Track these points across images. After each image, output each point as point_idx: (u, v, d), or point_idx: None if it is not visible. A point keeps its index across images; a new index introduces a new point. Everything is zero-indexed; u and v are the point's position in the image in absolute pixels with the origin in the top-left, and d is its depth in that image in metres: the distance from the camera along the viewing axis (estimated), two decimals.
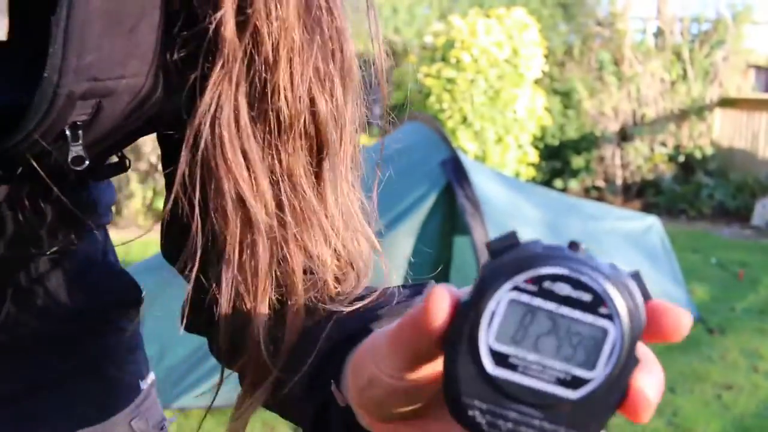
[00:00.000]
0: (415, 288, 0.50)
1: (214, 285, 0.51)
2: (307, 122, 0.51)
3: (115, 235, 0.68)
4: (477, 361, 0.33)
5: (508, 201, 3.53)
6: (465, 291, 0.34)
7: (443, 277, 3.19)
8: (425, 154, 3.37)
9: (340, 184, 0.54)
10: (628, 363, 0.33)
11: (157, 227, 0.58)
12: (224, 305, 0.50)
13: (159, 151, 0.59)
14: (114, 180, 0.65)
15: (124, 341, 0.67)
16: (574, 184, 7.72)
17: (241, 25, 0.48)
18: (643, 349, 0.35)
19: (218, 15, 0.47)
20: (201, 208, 0.50)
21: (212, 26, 0.47)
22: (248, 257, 0.50)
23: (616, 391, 0.33)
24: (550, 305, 0.33)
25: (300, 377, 0.48)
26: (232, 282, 0.50)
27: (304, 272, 0.52)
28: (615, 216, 4.04)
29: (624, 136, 7.88)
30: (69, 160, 0.47)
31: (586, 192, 7.74)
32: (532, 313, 0.33)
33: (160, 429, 0.68)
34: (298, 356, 0.50)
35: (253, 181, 0.49)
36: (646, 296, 0.34)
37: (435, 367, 0.35)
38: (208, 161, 0.49)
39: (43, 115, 0.44)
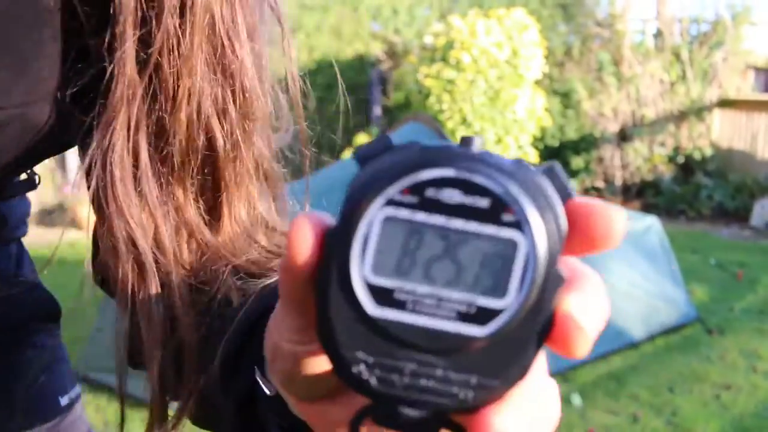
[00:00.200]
0: None
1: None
2: (204, 160, 0.50)
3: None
4: (353, 302, 0.26)
5: None
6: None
7: None
8: None
9: (238, 220, 0.52)
10: (548, 282, 0.26)
11: None
12: (120, 342, 0.49)
13: None
14: None
15: (41, 357, 0.64)
16: (573, 184, 7.73)
17: (143, 62, 0.46)
18: (569, 263, 0.28)
19: (119, 52, 0.45)
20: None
21: (113, 62, 0.45)
22: (140, 301, 0.48)
23: (538, 321, 0.26)
24: (438, 219, 0.26)
25: (214, 368, 0.45)
26: (130, 320, 0.49)
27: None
28: None
29: (623, 137, 7.89)
30: None
31: (586, 192, 7.75)
32: (417, 232, 0.26)
33: None
34: (210, 351, 0.47)
35: (148, 223, 0.47)
36: (565, 194, 0.27)
37: None
38: (99, 199, 0.47)
39: None
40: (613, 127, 7.85)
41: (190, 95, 0.47)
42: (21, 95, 0.47)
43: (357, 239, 0.26)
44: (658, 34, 8.11)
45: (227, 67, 0.48)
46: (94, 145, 0.46)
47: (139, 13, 0.45)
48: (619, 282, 3.51)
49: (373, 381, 0.27)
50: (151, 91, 0.47)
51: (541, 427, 0.27)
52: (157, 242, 0.48)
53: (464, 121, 6.32)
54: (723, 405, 3.08)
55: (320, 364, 0.30)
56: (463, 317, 0.26)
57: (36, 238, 1.14)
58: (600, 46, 8.07)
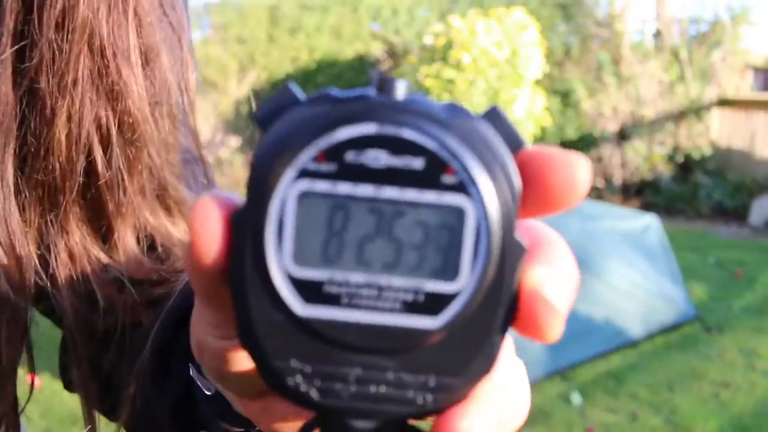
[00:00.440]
0: None
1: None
2: (85, 185, 0.47)
3: None
4: (276, 302, 0.22)
5: None
6: None
7: None
8: None
9: (128, 248, 0.49)
10: (507, 254, 0.22)
11: None
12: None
13: None
14: None
15: None
16: None
17: (20, 78, 0.44)
18: (527, 227, 0.24)
19: None
20: None
21: None
22: (2, 324, 0.45)
23: (499, 302, 0.22)
24: (365, 189, 0.21)
25: (143, 372, 0.43)
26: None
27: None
28: (613, 215, 4.07)
29: (623, 136, 7.90)
30: None
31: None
32: (341, 207, 0.22)
33: None
34: (134, 354, 0.45)
35: (11, 249, 0.45)
36: (514, 143, 0.22)
37: None
38: None
39: None
40: (613, 127, 7.87)
41: (70, 115, 0.44)
42: None
43: (270, 224, 0.22)
44: (658, 34, 8.13)
45: (111, 88, 0.45)
46: None
47: (20, 27, 0.43)
48: (619, 281, 3.53)
49: (314, 393, 0.22)
50: (26, 109, 0.44)
51: (512, 420, 0.24)
52: (20, 265, 0.45)
53: None
54: (722, 403, 3.09)
55: (246, 361, 0.26)
56: (411, 308, 0.22)
57: None
58: (599, 46, 8.09)
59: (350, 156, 0.21)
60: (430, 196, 0.21)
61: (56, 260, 0.47)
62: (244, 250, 0.22)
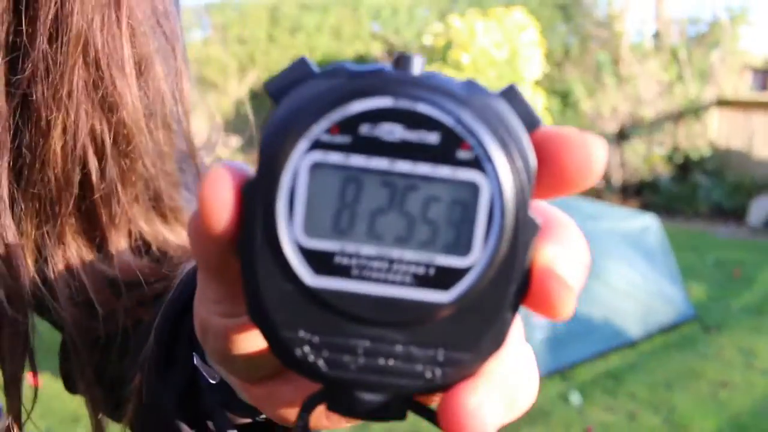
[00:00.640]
0: None
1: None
2: (79, 197, 0.47)
3: None
4: (287, 272, 0.22)
5: None
6: None
7: None
8: None
9: (122, 258, 0.49)
10: (520, 231, 0.22)
11: None
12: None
13: None
14: None
15: None
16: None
17: (13, 89, 0.43)
18: (539, 207, 0.24)
19: None
20: None
21: None
22: (3, 337, 0.45)
23: (511, 279, 0.22)
24: (379, 162, 0.21)
25: (147, 360, 0.43)
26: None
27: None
28: (613, 215, 4.08)
29: (622, 137, 7.91)
30: None
31: (585, 192, 7.77)
32: (354, 180, 0.21)
33: None
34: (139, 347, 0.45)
35: (8, 262, 0.44)
36: (530, 122, 0.22)
37: None
38: None
39: None
40: (612, 127, 7.88)
41: (65, 126, 0.44)
42: None
43: (281, 194, 0.21)
44: (657, 35, 8.14)
45: (105, 100, 0.45)
46: None
47: (11, 38, 0.42)
48: (618, 281, 3.54)
49: (322, 364, 0.22)
50: (19, 121, 0.44)
51: (520, 401, 0.24)
52: (17, 278, 0.45)
53: None
54: (720, 402, 3.10)
55: (257, 340, 0.25)
56: (422, 281, 0.22)
57: None
58: (599, 46, 8.10)
59: (364, 129, 0.21)
60: (444, 171, 0.21)
61: (54, 271, 0.47)
62: (255, 220, 0.22)
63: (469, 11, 7.06)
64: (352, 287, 0.22)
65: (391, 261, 0.22)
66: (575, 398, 3.06)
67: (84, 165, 0.46)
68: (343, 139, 0.21)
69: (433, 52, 6.74)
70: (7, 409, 0.47)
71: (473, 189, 0.21)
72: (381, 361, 0.22)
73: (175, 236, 0.51)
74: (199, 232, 0.23)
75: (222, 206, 0.22)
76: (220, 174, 0.22)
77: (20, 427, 0.47)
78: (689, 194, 7.39)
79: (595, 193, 7.70)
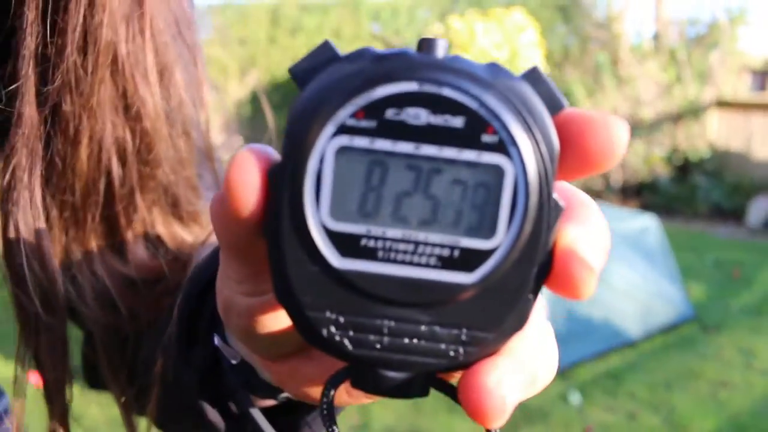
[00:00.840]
0: None
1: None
2: (100, 202, 0.48)
3: None
4: (313, 254, 0.22)
5: None
6: None
7: None
8: None
9: (139, 262, 0.50)
10: (544, 213, 0.22)
11: None
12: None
13: None
14: None
15: None
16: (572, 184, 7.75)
17: (43, 100, 0.43)
18: (563, 188, 0.24)
19: (21, 89, 0.42)
20: None
21: (16, 100, 0.42)
22: (42, 344, 0.46)
23: (534, 260, 0.22)
24: (404, 146, 0.22)
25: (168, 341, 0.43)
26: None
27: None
28: (612, 216, 4.09)
29: None
30: None
31: (584, 192, 7.76)
32: (380, 163, 0.22)
33: None
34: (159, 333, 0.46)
35: (44, 270, 0.45)
36: (554, 105, 0.22)
37: None
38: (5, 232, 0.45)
39: None
40: None
41: (92, 135, 0.45)
42: None
43: (308, 178, 0.22)
44: (656, 36, 8.15)
45: (130, 108, 0.46)
46: None
47: (40, 49, 0.43)
48: (618, 281, 3.55)
49: (347, 343, 0.23)
50: (50, 130, 0.44)
51: (540, 379, 0.25)
52: (52, 286, 0.45)
53: None
54: (720, 402, 3.11)
55: (281, 318, 0.26)
56: (446, 263, 0.22)
57: None
58: (598, 47, 8.11)
59: (390, 113, 0.21)
60: (469, 155, 0.22)
61: (79, 275, 0.48)
62: (282, 203, 0.22)
63: (468, 12, 7.08)
64: (378, 269, 0.22)
65: (417, 243, 0.22)
66: (575, 398, 3.07)
67: (109, 172, 0.47)
68: (368, 123, 0.22)
69: None
70: (51, 416, 0.47)
71: (498, 172, 0.22)
72: (405, 341, 0.23)
73: (193, 238, 0.52)
74: (224, 214, 0.23)
75: (249, 189, 0.22)
76: (246, 157, 0.22)
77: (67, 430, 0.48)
78: (688, 195, 7.40)
79: (594, 194, 7.71)
